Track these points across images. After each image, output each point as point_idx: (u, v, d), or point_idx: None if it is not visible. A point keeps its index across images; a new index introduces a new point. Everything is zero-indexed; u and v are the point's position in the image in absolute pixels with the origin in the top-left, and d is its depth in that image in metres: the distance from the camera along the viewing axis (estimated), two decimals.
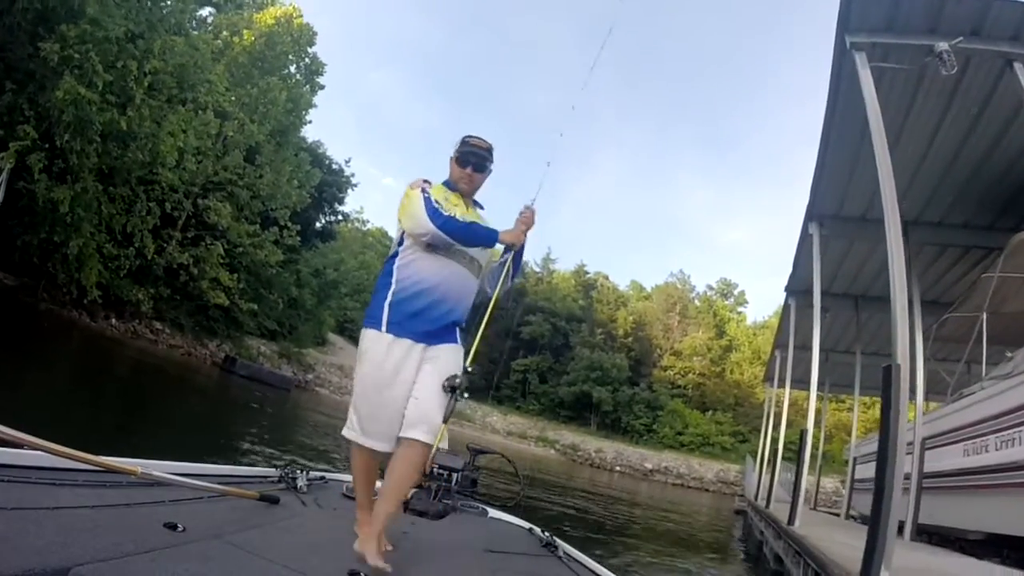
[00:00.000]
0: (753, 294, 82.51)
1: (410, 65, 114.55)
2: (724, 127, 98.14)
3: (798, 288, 9.40)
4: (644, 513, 15.72)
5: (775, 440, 11.70)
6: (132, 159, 16.60)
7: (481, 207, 2.38)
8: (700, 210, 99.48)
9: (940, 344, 8.14)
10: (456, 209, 2.18)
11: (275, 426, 12.63)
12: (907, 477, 5.39)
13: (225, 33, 24.30)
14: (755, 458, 17.98)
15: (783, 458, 10.56)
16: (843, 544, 4.91)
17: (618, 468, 37.66)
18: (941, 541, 6.14)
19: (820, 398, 8.50)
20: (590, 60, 2.46)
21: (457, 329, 2.18)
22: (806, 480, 6.97)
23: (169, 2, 17.52)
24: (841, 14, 4.65)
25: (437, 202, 2.10)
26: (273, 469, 2.89)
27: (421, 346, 2.05)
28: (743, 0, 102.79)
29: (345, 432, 2.09)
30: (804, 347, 8.79)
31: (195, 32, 20.94)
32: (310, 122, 29.46)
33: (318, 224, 32.89)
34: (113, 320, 19.92)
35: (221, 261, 22.15)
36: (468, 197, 2.33)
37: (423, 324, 2.06)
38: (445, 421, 1.97)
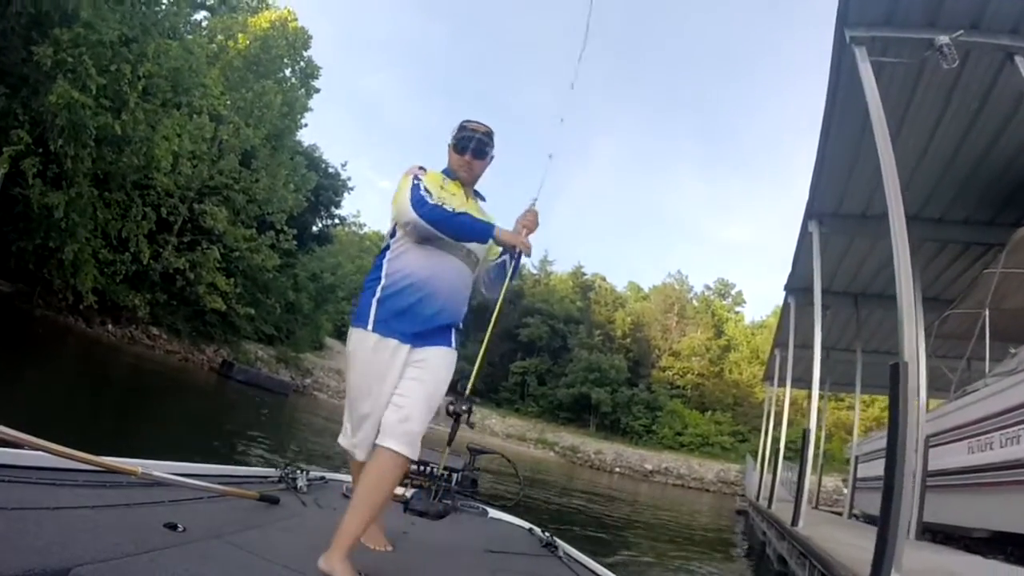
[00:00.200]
0: (750, 294, 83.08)
1: (410, 66, 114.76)
2: (720, 121, 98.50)
3: (797, 286, 9.38)
4: (645, 513, 15.67)
5: (776, 439, 11.68)
6: (127, 163, 16.58)
7: (483, 198, 2.23)
8: (697, 205, 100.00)
9: (941, 341, 8.14)
10: (453, 199, 2.01)
11: (274, 430, 12.57)
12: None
13: (220, 37, 24.29)
14: (755, 458, 17.97)
15: (784, 457, 10.53)
16: (849, 545, 4.87)
17: (618, 469, 37.56)
18: (945, 539, 6.11)
19: (820, 397, 8.46)
20: (588, 58, 2.39)
21: (452, 331, 1.99)
22: (808, 480, 6.93)
23: (163, 6, 17.49)
24: (840, 8, 4.62)
25: (427, 190, 1.92)
26: (273, 469, 2.87)
27: (407, 347, 1.88)
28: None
29: (340, 440, 2.00)
30: (804, 346, 8.78)
31: (189, 36, 20.85)
32: (306, 125, 29.50)
33: (315, 228, 32.88)
34: (109, 326, 19.81)
35: (217, 266, 22.10)
36: (468, 187, 2.16)
37: (411, 324, 1.89)
38: (449, 443, 1.88)
